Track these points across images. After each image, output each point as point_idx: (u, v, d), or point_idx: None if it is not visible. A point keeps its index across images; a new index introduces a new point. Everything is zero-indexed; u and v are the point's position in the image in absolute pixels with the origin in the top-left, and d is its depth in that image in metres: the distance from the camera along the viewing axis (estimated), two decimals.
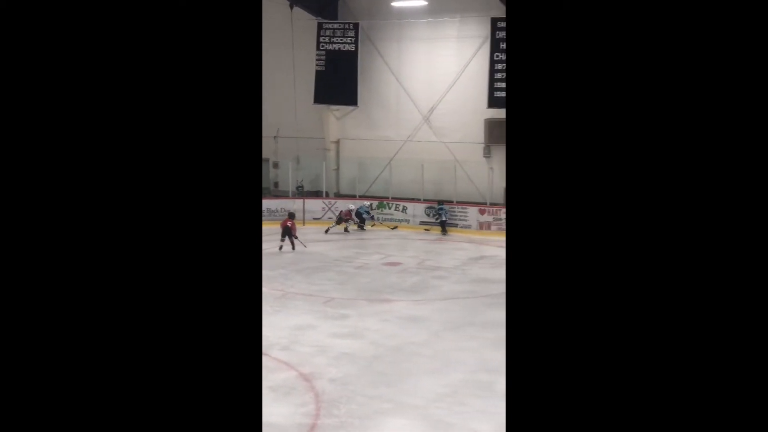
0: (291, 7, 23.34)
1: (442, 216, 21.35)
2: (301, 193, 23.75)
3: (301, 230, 20.49)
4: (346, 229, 21.42)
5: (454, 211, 21.74)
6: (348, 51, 23.28)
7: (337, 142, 24.95)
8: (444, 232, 21.20)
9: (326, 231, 21.19)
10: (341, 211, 21.94)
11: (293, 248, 18.12)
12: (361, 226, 21.89)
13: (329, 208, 22.79)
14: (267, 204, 22.51)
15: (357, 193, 23.39)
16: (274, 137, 24.75)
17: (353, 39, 23.21)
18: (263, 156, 24.82)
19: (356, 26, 23.19)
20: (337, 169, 24.92)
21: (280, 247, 18.06)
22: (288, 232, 18.25)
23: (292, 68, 23.65)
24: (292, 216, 19.08)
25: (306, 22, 23.35)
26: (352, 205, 22.25)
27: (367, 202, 22.52)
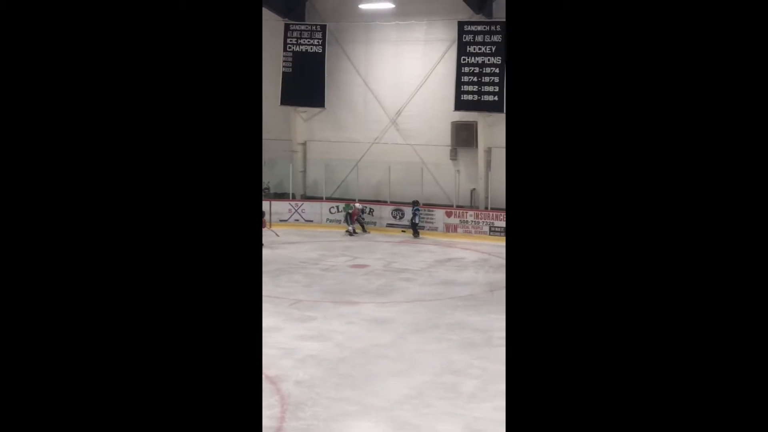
0: None
1: (415, 218, 20.98)
2: (268, 195, 23.64)
3: (266, 233, 20.46)
4: (363, 229, 21.67)
5: (431, 213, 21.68)
6: (315, 53, 23.25)
7: (304, 144, 24.88)
8: (416, 234, 20.97)
9: (350, 233, 21.22)
10: (352, 210, 21.80)
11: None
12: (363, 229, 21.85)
13: (296, 210, 22.72)
14: None
15: (323, 195, 23.34)
16: None
17: (320, 41, 23.19)
18: None
19: (323, 28, 23.17)
20: (304, 171, 24.84)
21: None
22: None
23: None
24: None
25: (273, 23, 23.24)
26: (358, 204, 22.18)
27: (359, 204, 22.28)
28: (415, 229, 21.01)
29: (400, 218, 21.77)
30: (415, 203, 21.18)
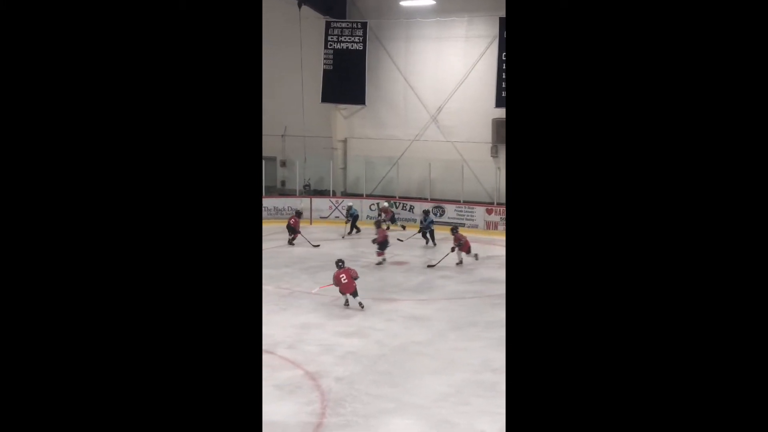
0: (299, 5, 23.35)
1: (428, 223, 19.05)
2: (308, 191, 23.80)
3: (307, 229, 20.55)
4: (403, 227, 21.01)
5: (471, 211, 21.40)
6: (356, 50, 23.32)
7: (345, 141, 24.97)
8: (431, 241, 18.99)
9: (401, 239, 18.77)
10: (383, 209, 21.49)
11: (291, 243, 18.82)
12: (356, 227, 20.97)
13: (336, 207, 22.82)
14: (274, 202, 22.58)
15: (364, 192, 23.41)
16: (282, 136, 24.79)
17: (361, 38, 23.24)
18: (271, 155, 24.90)
19: (364, 25, 23.22)
20: (344, 168, 24.94)
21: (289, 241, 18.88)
22: (292, 230, 18.92)
23: (300, 67, 23.69)
24: (299, 214, 19.87)
25: (314, 21, 23.37)
26: (385, 203, 21.95)
27: (350, 201, 22.04)
28: (430, 236, 18.96)
29: (441, 215, 21.73)
30: (426, 212, 19.70)
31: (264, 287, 14.30)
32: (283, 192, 24.76)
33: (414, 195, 22.99)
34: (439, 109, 23.18)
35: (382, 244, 17.09)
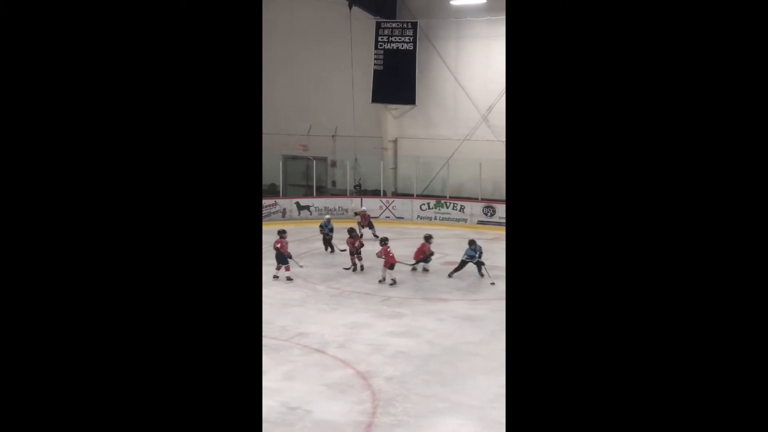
0: (350, 6, 23.46)
1: (475, 256, 15.75)
2: (359, 191, 23.87)
3: (358, 229, 20.51)
4: (378, 237, 17.05)
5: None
6: (406, 50, 23.33)
7: (395, 141, 25.00)
8: (482, 272, 15.65)
9: (343, 249, 16.82)
10: (360, 213, 20.15)
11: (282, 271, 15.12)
12: (332, 245, 17.89)
13: (387, 207, 22.84)
14: (325, 203, 22.71)
15: (414, 192, 23.39)
16: (332, 136, 24.94)
17: (411, 38, 23.25)
18: (322, 155, 25.04)
19: (415, 25, 23.22)
20: (395, 168, 24.97)
21: (275, 276, 14.99)
22: (280, 257, 15.07)
23: (351, 68, 23.79)
24: (282, 234, 15.39)
25: (364, 21, 23.45)
26: (363, 208, 20.88)
27: (327, 215, 19.52)
28: (482, 269, 15.71)
29: (491, 215, 21.59)
30: (471, 242, 16.04)
31: (315, 287, 14.41)
32: (334, 192, 24.88)
33: (465, 195, 22.89)
34: (490, 109, 23.04)
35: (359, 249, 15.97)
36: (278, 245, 15.01)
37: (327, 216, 19.23)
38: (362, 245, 16.22)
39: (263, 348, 10.72)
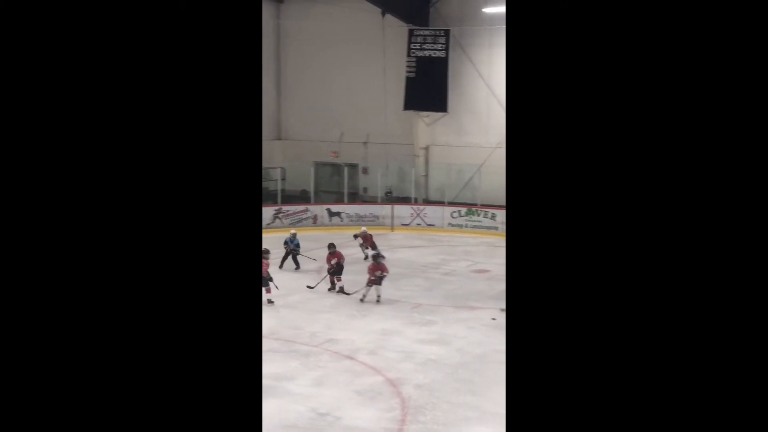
0: (383, 14, 23.55)
1: None
2: (390, 198, 23.89)
3: (389, 236, 20.54)
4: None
5: None
6: (439, 57, 23.32)
7: (427, 149, 24.99)
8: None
9: (311, 286, 14.83)
10: (362, 235, 18.11)
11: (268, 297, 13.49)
12: (297, 262, 16.79)
13: (417, 214, 22.82)
14: (356, 209, 22.76)
15: (445, 200, 23.35)
16: (364, 143, 25.00)
17: (444, 45, 23.24)
18: (353, 162, 25.11)
19: (447, 33, 23.21)
20: (426, 176, 24.95)
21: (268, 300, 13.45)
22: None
23: (383, 75, 23.84)
24: (266, 253, 13.46)
25: (397, 29, 23.50)
26: (363, 228, 18.85)
27: (293, 230, 18.27)
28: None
29: None
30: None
31: (346, 293, 14.42)
32: (365, 199, 24.92)
33: (496, 203, 22.79)
34: None
35: (338, 269, 14.63)
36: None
37: (293, 231, 17.75)
38: (341, 266, 14.59)
39: (293, 353, 10.83)
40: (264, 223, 21.32)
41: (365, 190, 25.82)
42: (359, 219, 22.20)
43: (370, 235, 18.19)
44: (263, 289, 13.11)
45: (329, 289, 14.61)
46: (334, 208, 22.90)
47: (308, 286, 14.65)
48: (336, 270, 14.60)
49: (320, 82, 26.27)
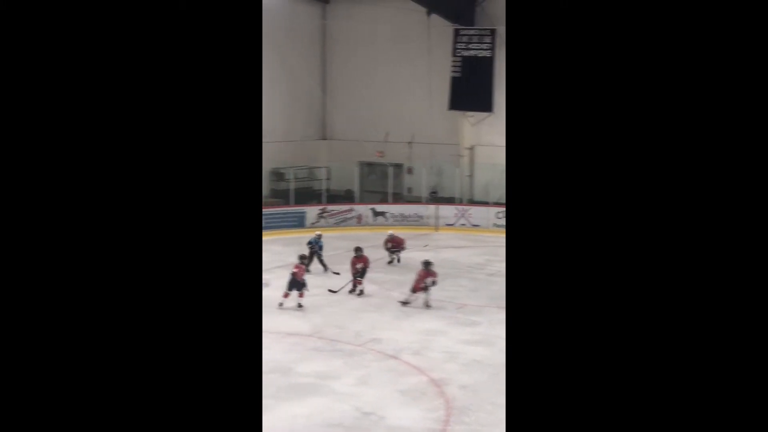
0: (428, 14, 23.51)
1: None
2: (435, 199, 23.84)
3: (433, 236, 20.51)
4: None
5: None
6: (484, 57, 23.20)
7: (472, 149, 24.87)
8: None
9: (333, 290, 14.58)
10: (390, 239, 17.64)
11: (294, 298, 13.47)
12: (323, 263, 16.33)
13: (462, 214, 22.73)
14: (401, 209, 22.77)
15: (490, 200, 23.23)
16: (409, 143, 24.96)
17: (490, 45, 23.11)
18: (398, 162, 25.12)
19: (493, 32, 23.07)
20: (471, 176, 24.83)
21: (280, 304, 13.27)
22: (294, 284, 13.48)
23: (428, 74, 23.80)
24: (303, 260, 14.39)
25: (443, 28, 23.44)
26: (391, 231, 18.47)
27: (318, 231, 17.96)
28: None
29: None
30: None
31: (389, 293, 14.44)
32: (410, 199, 24.91)
33: None
34: None
35: (362, 273, 14.60)
36: (295, 270, 13.54)
37: (318, 232, 17.45)
38: (366, 268, 14.59)
39: (337, 352, 10.88)
40: (308, 222, 21.47)
41: (410, 190, 25.79)
42: (403, 219, 22.20)
43: (402, 238, 17.80)
44: (296, 293, 13.28)
45: (350, 291, 14.46)
46: (379, 207, 22.93)
47: (330, 290, 14.42)
48: (360, 273, 14.54)
49: (365, 82, 26.31)
